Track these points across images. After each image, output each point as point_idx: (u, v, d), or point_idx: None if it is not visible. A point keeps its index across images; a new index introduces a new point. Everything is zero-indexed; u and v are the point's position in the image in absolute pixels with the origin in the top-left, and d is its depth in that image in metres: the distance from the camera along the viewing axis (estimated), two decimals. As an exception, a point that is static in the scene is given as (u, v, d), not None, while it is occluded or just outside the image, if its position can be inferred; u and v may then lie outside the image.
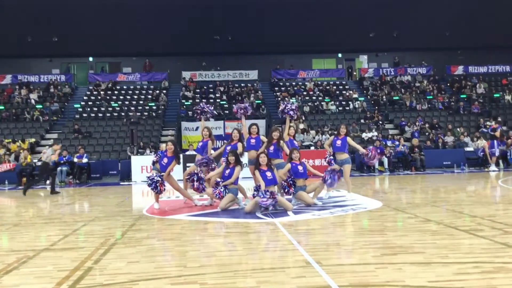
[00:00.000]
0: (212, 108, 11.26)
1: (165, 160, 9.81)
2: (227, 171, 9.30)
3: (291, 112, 10.39)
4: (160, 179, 9.56)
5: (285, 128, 10.40)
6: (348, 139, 10.58)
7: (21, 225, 8.31)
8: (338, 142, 10.49)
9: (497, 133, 19.96)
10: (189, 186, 10.17)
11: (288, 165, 9.36)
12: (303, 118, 25.11)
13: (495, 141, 19.42)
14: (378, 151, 10.83)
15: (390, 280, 4.26)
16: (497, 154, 19.20)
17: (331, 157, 10.61)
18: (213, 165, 10.11)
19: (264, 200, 8.48)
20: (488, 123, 24.90)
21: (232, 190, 9.27)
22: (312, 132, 23.52)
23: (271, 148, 9.66)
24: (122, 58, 33.34)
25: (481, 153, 20.00)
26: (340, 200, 10.29)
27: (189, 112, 26.04)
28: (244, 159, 10.23)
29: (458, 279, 4.26)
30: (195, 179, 9.68)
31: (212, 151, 10.43)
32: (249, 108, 10.56)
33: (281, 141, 9.76)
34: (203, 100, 26.88)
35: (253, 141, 9.93)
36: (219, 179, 9.34)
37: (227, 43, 31.40)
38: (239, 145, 9.83)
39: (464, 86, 30.24)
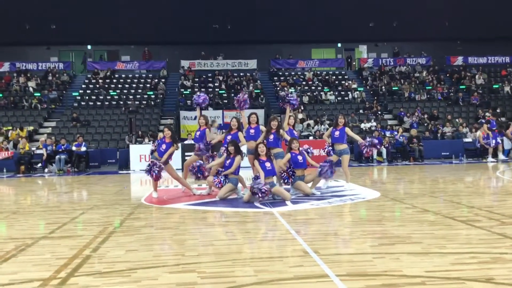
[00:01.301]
0: (206, 98, 11.04)
1: (164, 146, 9.84)
2: (228, 161, 9.31)
3: (293, 102, 10.36)
4: (156, 164, 9.53)
5: (284, 118, 10.36)
6: (347, 129, 10.56)
7: (20, 213, 8.32)
8: (337, 133, 10.46)
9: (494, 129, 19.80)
10: (189, 174, 10.17)
11: (288, 155, 9.35)
12: (302, 108, 25.09)
13: (490, 132, 19.41)
14: (376, 141, 10.82)
15: (388, 270, 4.27)
16: (492, 145, 19.19)
17: (330, 148, 10.61)
18: (210, 152, 10.06)
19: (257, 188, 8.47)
20: (487, 114, 24.91)
21: (232, 180, 9.28)
22: (311, 121, 23.52)
23: (271, 137, 9.62)
24: (121, 46, 33.19)
25: (479, 144, 20.02)
26: (339, 190, 10.31)
27: (188, 101, 25.98)
28: (243, 148, 10.20)
29: (455, 269, 4.28)
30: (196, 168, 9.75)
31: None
32: (248, 101, 10.47)
33: (281, 130, 9.73)
34: (202, 90, 26.81)
35: (252, 131, 9.88)
36: (220, 169, 9.35)
37: (226, 32, 31.26)
38: (240, 134, 9.80)
39: (464, 77, 30.19)
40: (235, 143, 9.35)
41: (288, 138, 9.67)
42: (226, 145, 9.52)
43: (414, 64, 32.09)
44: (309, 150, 9.93)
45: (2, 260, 4.99)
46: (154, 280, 4.19)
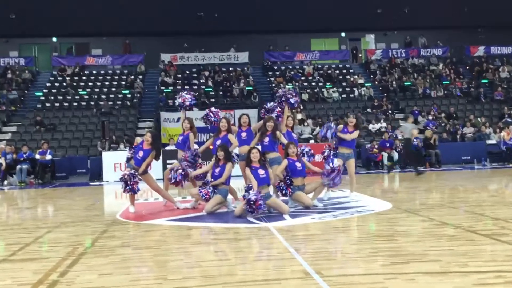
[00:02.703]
0: (193, 98, 11.04)
1: (141, 153, 9.71)
2: (217, 170, 9.27)
3: (291, 100, 10.37)
4: (133, 176, 9.46)
5: (282, 119, 10.37)
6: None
7: (-25, 233, 8.27)
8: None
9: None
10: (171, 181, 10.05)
11: (285, 162, 9.33)
12: (301, 107, 25.16)
13: None
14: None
15: (401, 292, 4.29)
16: None
17: (331, 151, 10.49)
18: (198, 161, 10.00)
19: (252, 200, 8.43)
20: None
21: (221, 191, 9.23)
22: (309, 121, 23.59)
23: (266, 140, 9.63)
24: (91, 38, 33.10)
25: (505, 147, 20.11)
26: (344, 201, 10.32)
27: (169, 101, 25.97)
28: (236, 151, 10.18)
29: (478, 290, 4.30)
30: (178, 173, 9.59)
31: (196, 146, 10.37)
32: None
33: (278, 132, 9.73)
34: (186, 87, 26.80)
35: (244, 134, 9.86)
36: (208, 178, 9.31)
37: (212, 21, 31.28)
38: (230, 136, 9.76)
39: (486, 69, 30.39)
40: (225, 148, 9.31)
41: (285, 141, 9.68)
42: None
43: (429, 56, 32.27)
44: (308, 152, 9.91)
45: (-45, 288, 4.96)
46: (132, 308, 4.18)
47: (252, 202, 8.28)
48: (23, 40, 32.95)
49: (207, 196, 9.13)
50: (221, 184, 9.21)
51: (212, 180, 9.23)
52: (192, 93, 11.18)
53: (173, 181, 9.65)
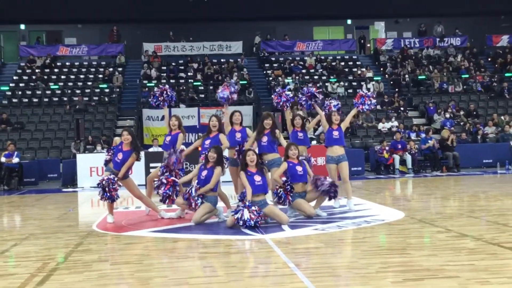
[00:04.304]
0: (174, 93, 10.94)
1: (120, 155, 9.68)
2: (204, 173, 9.21)
3: (304, 101, 10.37)
4: (112, 182, 9.41)
5: (286, 117, 10.31)
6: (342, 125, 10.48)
7: None
8: (335, 133, 10.31)
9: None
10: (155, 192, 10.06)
11: (284, 165, 9.29)
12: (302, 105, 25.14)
13: None
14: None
15: (415, 313, 4.30)
16: None
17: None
18: (180, 164, 9.92)
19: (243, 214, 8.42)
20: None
21: (210, 198, 9.21)
22: (311, 119, 23.58)
23: (264, 140, 9.55)
24: (64, 25, 33.03)
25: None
26: (350, 209, 10.31)
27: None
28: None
29: (502, 310, 4.31)
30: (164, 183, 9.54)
31: (183, 147, 10.34)
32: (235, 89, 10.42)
33: (277, 130, 9.64)
34: (172, 81, 26.78)
35: (238, 135, 9.80)
36: (195, 184, 9.26)
37: (202, 6, 31.26)
38: (222, 136, 9.71)
39: (510, 61, 30.47)
40: (219, 150, 9.24)
41: (284, 143, 9.61)
42: (205, 152, 9.40)
43: (446, 46, 32.32)
44: (309, 158, 9.90)
45: None
46: (110, 331, 4.18)
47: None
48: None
49: (196, 206, 9.05)
50: (209, 190, 9.14)
51: (199, 186, 9.14)
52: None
53: (164, 198, 9.56)
